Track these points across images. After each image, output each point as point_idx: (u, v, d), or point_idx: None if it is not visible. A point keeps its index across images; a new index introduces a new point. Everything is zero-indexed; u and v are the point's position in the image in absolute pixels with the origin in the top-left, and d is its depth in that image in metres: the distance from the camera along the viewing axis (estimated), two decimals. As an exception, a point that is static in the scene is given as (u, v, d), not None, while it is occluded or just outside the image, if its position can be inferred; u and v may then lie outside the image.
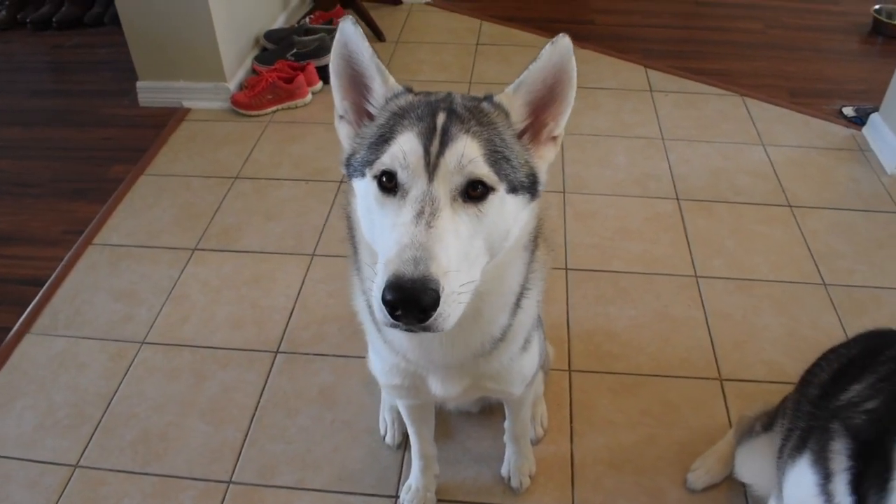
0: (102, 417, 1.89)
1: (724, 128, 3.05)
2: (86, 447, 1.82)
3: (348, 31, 0.97)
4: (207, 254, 2.36)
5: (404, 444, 1.79)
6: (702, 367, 2.03)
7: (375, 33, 3.56)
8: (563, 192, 2.64)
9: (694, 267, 2.35)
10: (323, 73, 3.15)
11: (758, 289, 2.29)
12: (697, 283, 2.30)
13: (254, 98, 2.99)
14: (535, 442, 1.82)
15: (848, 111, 3.22)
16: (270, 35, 3.31)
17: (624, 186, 2.69)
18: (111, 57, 3.52)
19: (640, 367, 2.03)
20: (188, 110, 3.08)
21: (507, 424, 1.67)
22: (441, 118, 0.92)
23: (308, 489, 1.72)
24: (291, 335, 2.10)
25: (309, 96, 3.09)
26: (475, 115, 0.95)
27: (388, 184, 0.91)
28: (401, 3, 3.92)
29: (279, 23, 3.53)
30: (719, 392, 1.96)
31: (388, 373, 1.25)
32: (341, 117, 1.04)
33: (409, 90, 1.02)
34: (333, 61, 1.01)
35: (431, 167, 0.89)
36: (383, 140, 0.93)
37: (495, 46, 3.59)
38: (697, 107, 3.18)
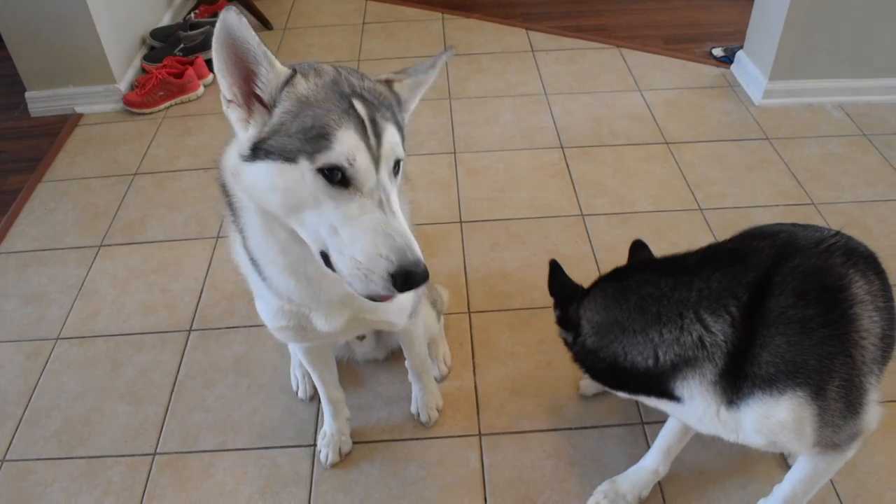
0: (24, 413, 1.94)
1: (602, 79, 3.24)
2: (10, 442, 1.87)
3: (231, 20, 1.00)
4: (114, 248, 2.41)
5: (317, 396, 1.90)
6: (590, 294, 2.20)
7: (262, 22, 3.62)
8: (454, 153, 2.78)
9: (580, 207, 2.52)
10: (212, 65, 3.20)
11: (640, 220, 2.47)
12: (584, 220, 2.47)
13: (145, 96, 3.02)
14: (441, 379, 1.95)
15: (717, 52, 3.45)
16: (157, 33, 3.34)
17: (511, 141, 2.85)
18: (-3, 72, 3.48)
19: (535, 302, 2.18)
20: (81, 115, 3.10)
21: (407, 363, 1.80)
22: (361, 109, 1.03)
23: (230, 450, 1.82)
24: (203, 313, 2.18)
25: (201, 89, 3.14)
26: (384, 102, 1.09)
27: (335, 177, 1.01)
28: (286, -10, 3.99)
29: (165, 20, 3.55)
30: (607, 314, 2.13)
31: (274, 316, 1.36)
32: (230, 101, 1.08)
33: (295, 71, 1.07)
34: (216, 50, 1.04)
35: (375, 160, 1.02)
36: (318, 134, 1.00)
37: (381, 24, 3.70)
38: (577, 62, 3.36)
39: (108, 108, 3.10)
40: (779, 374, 1.23)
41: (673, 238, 2.39)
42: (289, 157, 1.02)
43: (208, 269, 2.32)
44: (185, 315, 2.18)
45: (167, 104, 3.07)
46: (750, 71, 3.12)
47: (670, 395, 1.34)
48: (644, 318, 1.33)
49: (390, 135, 1.04)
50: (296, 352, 1.82)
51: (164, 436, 1.86)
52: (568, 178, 2.65)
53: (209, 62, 3.21)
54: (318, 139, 1.00)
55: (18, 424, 1.91)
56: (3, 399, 1.98)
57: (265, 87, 1.05)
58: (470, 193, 2.59)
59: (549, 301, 2.16)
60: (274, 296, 1.30)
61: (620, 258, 2.34)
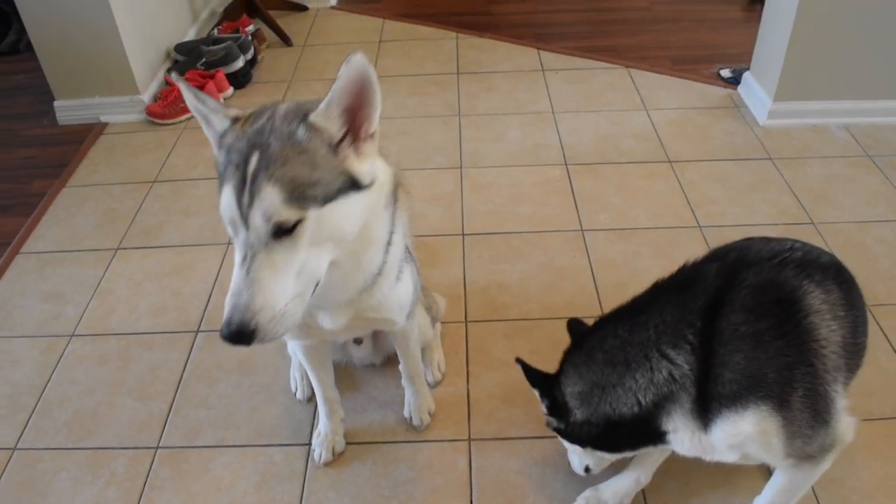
0: (37, 405, 2.03)
1: (610, 97, 3.31)
2: (22, 432, 1.96)
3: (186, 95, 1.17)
4: (130, 252, 2.52)
5: (314, 398, 1.97)
6: (586, 307, 2.25)
7: (283, 39, 3.75)
8: (461, 168, 2.86)
9: (580, 222, 2.58)
10: (232, 80, 3.34)
11: (638, 236, 2.52)
12: (583, 235, 2.53)
13: (167, 108, 3.15)
14: (434, 385, 2.02)
15: (725, 73, 3.50)
16: (181, 47, 3.47)
17: (517, 157, 2.92)
18: (28, 82, 3.63)
19: (531, 313, 2.24)
20: (106, 124, 3.23)
21: (401, 367, 1.86)
22: (253, 163, 1.05)
23: (230, 446, 1.90)
24: (211, 315, 2.27)
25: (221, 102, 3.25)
26: (285, 150, 1.06)
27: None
28: (307, 8, 4.11)
29: (190, 35, 3.69)
30: (601, 327, 2.18)
31: None
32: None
33: (235, 120, 1.15)
34: (188, 101, 1.19)
35: (245, 218, 1.05)
36: (219, 184, 1.10)
37: (397, 42, 3.81)
38: (586, 81, 3.43)
39: (132, 119, 3.23)
40: (741, 391, 1.27)
41: (671, 254, 2.44)
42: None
43: (218, 274, 2.41)
44: (193, 317, 2.27)
45: (187, 116, 3.19)
46: (755, 92, 3.16)
47: (661, 434, 1.38)
48: (616, 370, 1.37)
49: (265, 196, 1.03)
50: (295, 353, 1.89)
51: (168, 430, 1.95)
52: (570, 194, 2.72)
53: (230, 76, 3.33)
54: (219, 188, 1.10)
55: (31, 415, 2.01)
56: (18, 391, 2.08)
57: (213, 137, 1.17)
58: (474, 207, 2.66)
59: (545, 313, 2.26)
60: None
61: (616, 272, 2.42)
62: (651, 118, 3.15)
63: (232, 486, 1.80)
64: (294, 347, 1.71)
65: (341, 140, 1.12)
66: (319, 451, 1.83)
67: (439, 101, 3.30)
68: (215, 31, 3.68)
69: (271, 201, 1.03)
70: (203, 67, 3.31)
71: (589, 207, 2.65)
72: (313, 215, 1.07)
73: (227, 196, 1.06)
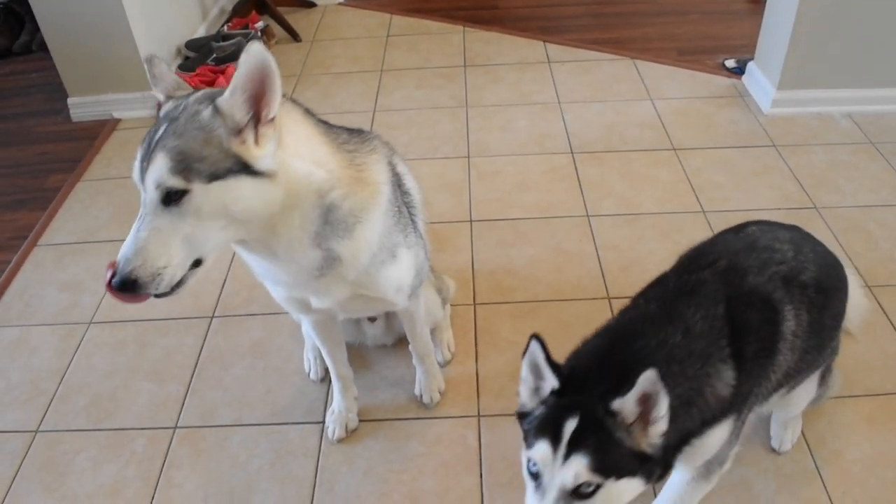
0: (57, 389, 2.09)
1: (615, 88, 3.34)
2: (44, 415, 2.02)
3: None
4: (144, 242, 2.57)
5: (328, 378, 2.02)
6: (592, 290, 2.29)
7: (291, 34, 3.80)
8: (468, 157, 2.91)
9: (586, 208, 2.62)
10: (243, 74, 3.39)
11: (643, 221, 2.56)
12: (589, 221, 2.57)
13: (179, 102, 3.20)
14: (444, 364, 2.06)
15: (730, 63, 3.53)
16: (191, 44, 3.53)
17: (523, 147, 2.96)
18: (42, 80, 3.70)
19: (538, 295, 2.29)
20: (119, 120, 3.29)
21: (411, 347, 1.91)
22: (158, 133, 1.15)
23: (245, 425, 1.95)
24: (224, 301, 2.32)
25: (231, 96, 3.31)
26: (185, 125, 1.15)
27: None
28: (315, 5, 4.17)
29: (200, 32, 3.75)
30: (607, 308, 2.22)
31: (277, 290, 1.53)
32: None
33: (168, 98, 1.27)
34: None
35: (143, 182, 1.16)
36: None
37: (404, 37, 3.86)
38: (591, 72, 3.47)
39: (144, 114, 3.28)
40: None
41: (676, 238, 2.47)
42: None
43: (231, 261, 2.46)
44: (208, 303, 2.32)
45: (198, 110, 3.24)
46: (759, 81, 3.20)
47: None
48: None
49: (156, 162, 1.12)
50: (309, 334, 1.94)
51: (185, 411, 2.00)
52: (576, 182, 2.76)
53: (239, 71, 3.38)
54: None
55: (52, 399, 2.06)
56: (39, 376, 2.13)
57: None
58: (481, 195, 2.70)
59: (552, 295, 2.29)
60: (263, 280, 1.48)
61: (622, 255, 2.46)
62: (656, 107, 3.19)
63: (248, 463, 1.85)
64: (307, 326, 1.76)
65: (245, 126, 1.17)
66: (333, 427, 1.87)
67: (446, 93, 3.35)
68: (225, 27, 3.74)
69: (159, 168, 1.12)
70: (214, 63, 3.36)
71: (594, 194, 2.69)
72: (198, 189, 1.14)
73: (137, 159, 1.17)
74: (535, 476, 1.20)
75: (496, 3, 4.24)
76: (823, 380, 1.72)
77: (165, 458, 1.88)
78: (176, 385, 2.07)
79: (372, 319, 1.98)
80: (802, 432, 1.85)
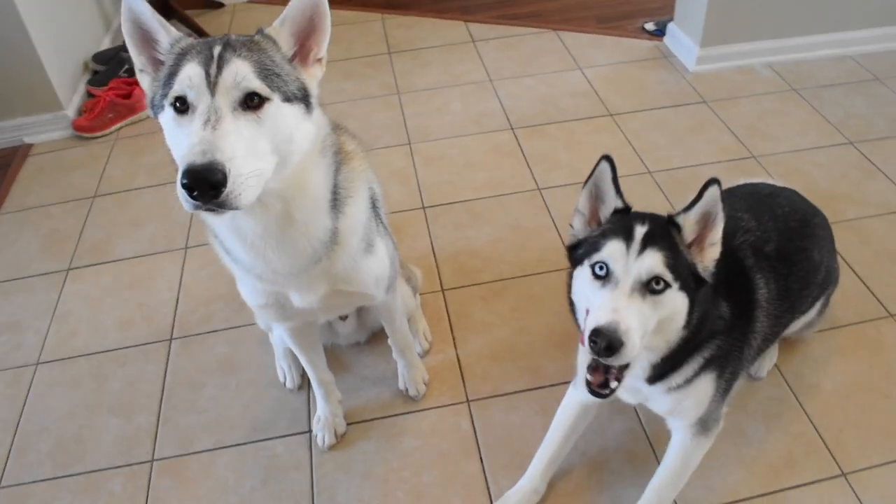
0: (13, 440, 1.94)
1: (543, 61, 3.35)
2: (4, 469, 1.87)
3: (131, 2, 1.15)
4: (83, 270, 2.41)
5: (305, 385, 1.95)
6: (556, 261, 2.29)
7: (202, 37, 3.63)
8: (409, 144, 2.86)
9: (536, 181, 2.62)
10: (160, 84, 3.22)
11: (593, 188, 2.57)
12: (541, 194, 2.56)
13: (95, 120, 3.02)
14: (423, 354, 2.02)
15: (649, 26, 3.59)
16: (99, 57, 3.33)
17: (463, 127, 2.93)
18: (-63, 112, 3.42)
19: (503, 274, 2.27)
20: (31, 145, 3.07)
21: (390, 341, 1.86)
22: (217, 49, 1.09)
23: (228, 446, 1.86)
24: (182, 321, 2.20)
25: (151, 108, 3.14)
26: (246, 44, 1.12)
27: (182, 107, 1.08)
28: (223, 5, 4.01)
29: (106, 44, 3.55)
30: (574, 278, 2.23)
31: (252, 294, 1.43)
32: (141, 70, 1.20)
33: (190, 35, 1.19)
34: (124, 26, 1.17)
35: (213, 85, 1.06)
36: (173, 74, 1.10)
37: (323, 29, 3.75)
38: (517, 47, 3.47)
39: (58, 136, 3.08)
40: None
41: (630, 201, 2.48)
42: (161, 105, 1.12)
43: (181, 279, 2.34)
44: (164, 325, 2.20)
45: (118, 125, 3.07)
46: (682, 41, 3.26)
47: None
48: None
49: (235, 65, 1.07)
50: (282, 340, 1.86)
51: (160, 442, 1.89)
52: (521, 157, 2.75)
53: (155, 81, 3.21)
54: (170, 77, 1.10)
55: (10, 451, 1.91)
56: (-10, 428, 1.98)
57: (164, 51, 1.17)
58: (429, 180, 2.66)
59: (517, 272, 2.28)
60: (245, 273, 1.36)
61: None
62: (586, 76, 3.21)
63: (238, 486, 1.76)
64: (281, 333, 1.68)
65: (292, 59, 1.18)
66: (322, 434, 1.81)
67: (376, 82, 3.28)
68: (132, 37, 3.55)
69: (244, 70, 1.07)
70: (126, 75, 3.18)
71: (541, 167, 2.69)
72: (277, 103, 1.11)
73: (194, 66, 1.07)
74: (603, 277, 1.24)
75: (410, -14, 4.18)
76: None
77: (148, 494, 1.77)
78: (145, 415, 1.95)
79: (343, 318, 1.91)
80: (781, 371, 1.91)
